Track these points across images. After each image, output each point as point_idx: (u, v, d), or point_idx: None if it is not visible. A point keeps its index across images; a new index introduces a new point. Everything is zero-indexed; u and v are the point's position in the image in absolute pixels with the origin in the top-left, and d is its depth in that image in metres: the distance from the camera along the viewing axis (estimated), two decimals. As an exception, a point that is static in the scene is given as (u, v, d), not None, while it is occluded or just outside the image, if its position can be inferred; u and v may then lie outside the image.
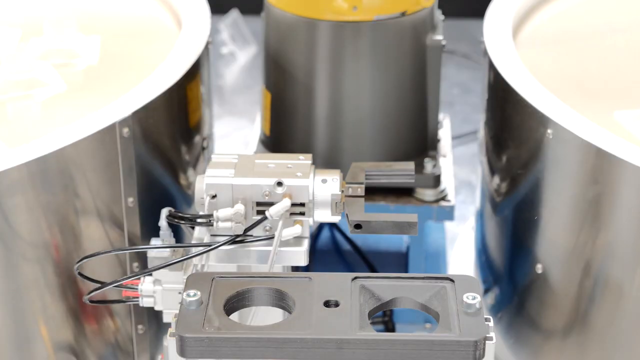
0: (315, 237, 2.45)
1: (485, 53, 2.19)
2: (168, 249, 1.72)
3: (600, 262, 1.87)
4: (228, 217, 1.67)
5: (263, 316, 1.64)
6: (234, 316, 1.47)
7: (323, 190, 1.70)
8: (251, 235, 1.69)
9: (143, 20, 2.37)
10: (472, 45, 3.80)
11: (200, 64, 2.13)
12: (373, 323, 1.49)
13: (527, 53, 2.20)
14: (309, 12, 2.10)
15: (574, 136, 1.84)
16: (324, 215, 1.71)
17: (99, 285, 1.71)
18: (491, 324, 1.44)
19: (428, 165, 2.19)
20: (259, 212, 1.70)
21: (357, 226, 1.66)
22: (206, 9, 2.29)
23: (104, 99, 1.99)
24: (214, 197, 1.69)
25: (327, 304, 1.47)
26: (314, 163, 1.76)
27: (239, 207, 1.67)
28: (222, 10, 3.84)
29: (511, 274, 2.15)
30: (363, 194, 1.72)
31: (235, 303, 1.49)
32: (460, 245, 2.72)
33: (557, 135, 1.88)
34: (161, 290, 1.72)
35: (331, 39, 2.10)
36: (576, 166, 1.88)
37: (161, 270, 1.69)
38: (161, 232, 1.73)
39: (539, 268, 2.00)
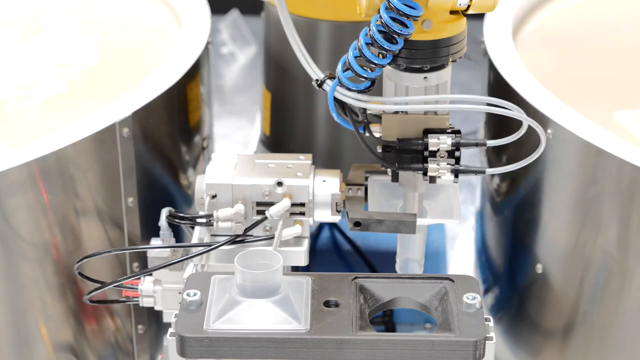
0: (315, 237, 2.44)
1: (485, 53, 2.19)
2: (168, 249, 1.72)
3: (600, 262, 1.87)
4: (228, 217, 1.67)
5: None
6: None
7: (323, 190, 1.70)
8: (251, 235, 1.69)
9: (143, 21, 2.37)
10: (472, 45, 3.79)
11: (200, 64, 2.13)
12: (373, 323, 1.49)
13: (527, 53, 2.20)
14: (309, 12, 2.10)
15: (574, 136, 1.84)
16: (324, 215, 1.71)
17: (99, 285, 1.71)
18: (491, 324, 1.44)
19: (428, 165, 2.18)
20: (259, 212, 1.70)
21: (357, 224, 1.66)
22: (206, 9, 2.29)
23: (104, 99, 1.99)
24: (214, 197, 1.69)
25: (327, 304, 1.47)
26: (314, 163, 1.76)
27: (239, 207, 1.67)
28: (222, 10, 3.83)
29: (511, 274, 2.15)
30: (363, 195, 1.72)
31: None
32: (460, 245, 2.72)
33: (557, 135, 1.88)
34: (161, 290, 1.73)
35: (331, 39, 2.10)
36: (576, 166, 1.88)
37: (161, 270, 1.70)
38: (161, 232, 1.73)
39: (539, 268, 2.00)
